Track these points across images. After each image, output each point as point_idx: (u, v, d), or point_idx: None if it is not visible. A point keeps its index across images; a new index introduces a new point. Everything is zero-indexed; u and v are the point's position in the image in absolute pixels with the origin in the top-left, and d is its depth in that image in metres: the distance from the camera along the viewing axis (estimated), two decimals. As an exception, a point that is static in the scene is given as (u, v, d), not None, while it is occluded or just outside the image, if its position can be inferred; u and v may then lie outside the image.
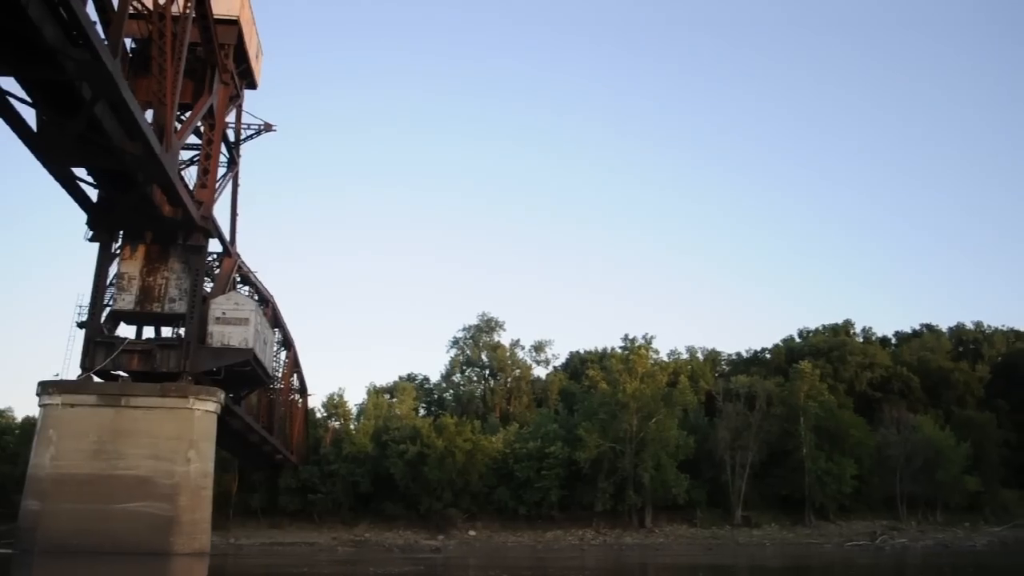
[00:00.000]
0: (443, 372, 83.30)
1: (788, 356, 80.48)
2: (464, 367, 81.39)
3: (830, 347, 78.75)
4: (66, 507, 39.76)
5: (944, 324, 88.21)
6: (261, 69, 52.56)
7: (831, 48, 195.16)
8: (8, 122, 34.62)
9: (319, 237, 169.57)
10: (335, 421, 71.60)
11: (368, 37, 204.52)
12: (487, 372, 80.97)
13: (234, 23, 46.75)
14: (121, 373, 45.28)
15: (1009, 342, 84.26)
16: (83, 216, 43.79)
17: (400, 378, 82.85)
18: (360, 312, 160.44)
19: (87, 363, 42.84)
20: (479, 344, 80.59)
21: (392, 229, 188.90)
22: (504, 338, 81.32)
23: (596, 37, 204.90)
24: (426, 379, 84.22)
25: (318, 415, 72.67)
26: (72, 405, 41.14)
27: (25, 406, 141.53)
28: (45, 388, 41.59)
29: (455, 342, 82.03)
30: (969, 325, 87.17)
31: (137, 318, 45.20)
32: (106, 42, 31.39)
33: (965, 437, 68.35)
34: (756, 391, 69.66)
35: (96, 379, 43.63)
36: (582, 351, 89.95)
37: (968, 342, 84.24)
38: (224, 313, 44.30)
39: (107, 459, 40.55)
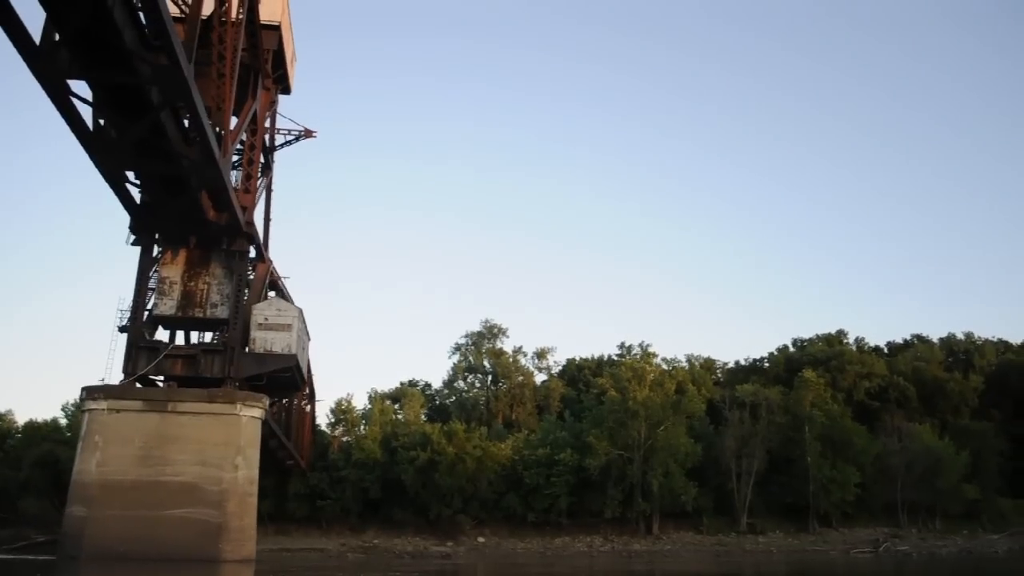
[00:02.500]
0: (445, 378, 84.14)
1: (787, 365, 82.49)
2: (466, 373, 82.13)
3: (828, 356, 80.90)
4: (113, 513, 40.08)
5: (935, 335, 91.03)
6: (295, 74, 53.02)
7: (827, 60, 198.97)
8: (70, 124, 35.00)
9: (318, 242, 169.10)
10: (342, 427, 71.82)
11: (376, 35, 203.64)
12: (489, 379, 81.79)
13: (276, 28, 47.34)
14: (154, 378, 45.57)
15: (999, 353, 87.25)
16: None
17: (402, 384, 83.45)
18: (358, 318, 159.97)
19: (130, 368, 43.14)
20: (481, 350, 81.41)
21: (393, 237, 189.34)
22: (507, 345, 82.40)
23: (596, 45, 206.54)
24: (428, 385, 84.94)
25: (326, 421, 72.98)
26: (118, 411, 41.44)
27: (26, 410, 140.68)
28: (90, 393, 41.81)
29: (457, 348, 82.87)
30: (960, 336, 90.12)
31: (179, 323, 45.55)
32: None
33: (963, 446, 70.64)
34: (760, 400, 71.32)
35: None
36: (578, 358, 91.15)
37: (959, 352, 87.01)
38: (267, 319, 44.82)
39: (153, 465, 40.93)
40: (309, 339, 51.12)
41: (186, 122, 38.30)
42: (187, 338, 49.08)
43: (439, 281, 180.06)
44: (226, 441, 41.70)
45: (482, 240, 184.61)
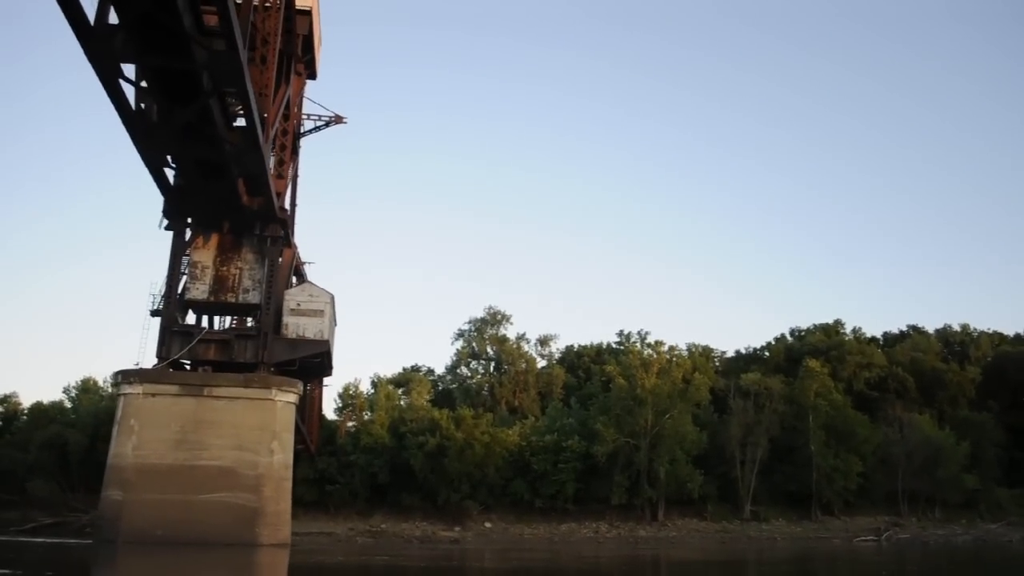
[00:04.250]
0: (448, 364, 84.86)
1: (787, 355, 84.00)
2: (469, 359, 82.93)
3: (828, 347, 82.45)
4: (150, 497, 40.63)
5: (930, 326, 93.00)
6: (320, 59, 53.32)
7: (827, 51, 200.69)
8: (118, 107, 35.32)
9: (318, 228, 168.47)
10: (349, 412, 72.38)
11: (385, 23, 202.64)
12: (492, 365, 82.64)
13: (308, 13, 47.61)
14: (183, 362, 45.98)
15: (994, 344, 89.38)
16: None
17: (404, 369, 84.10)
18: (357, 304, 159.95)
19: (164, 352, 43.59)
20: (485, 337, 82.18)
21: (392, 224, 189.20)
22: (510, 332, 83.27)
23: (602, 40, 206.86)
24: (430, 371, 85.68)
25: (333, 405, 73.48)
26: (153, 395, 41.83)
27: (32, 392, 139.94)
28: (126, 377, 42.22)
29: (460, 334, 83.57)
30: (956, 327, 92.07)
31: (211, 308, 45.93)
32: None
33: (963, 437, 72.55)
34: (764, 388, 72.77)
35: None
36: (576, 345, 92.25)
37: (955, 344, 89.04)
38: (299, 304, 45.41)
39: (190, 449, 41.48)
40: (336, 324, 51.75)
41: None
42: (211, 323, 49.49)
43: (438, 268, 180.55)
44: (262, 426, 42.33)
45: (481, 227, 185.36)
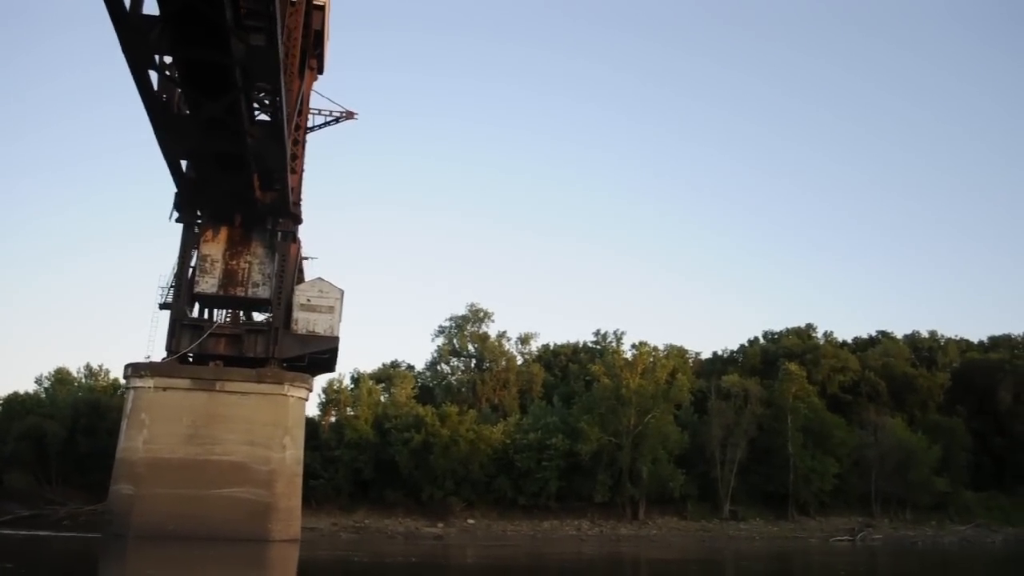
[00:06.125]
0: (428, 361, 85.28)
1: (763, 357, 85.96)
2: (450, 356, 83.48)
3: (803, 350, 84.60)
4: (161, 492, 40.65)
5: (899, 331, 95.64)
6: (328, 54, 53.45)
7: (798, 57, 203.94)
8: (146, 100, 35.40)
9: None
10: (333, 407, 72.53)
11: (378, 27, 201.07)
12: (473, 362, 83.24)
13: (322, 8, 47.73)
14: (190, 356, 45.92)
15: (961, 351, 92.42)
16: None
17: (384, 365, 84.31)
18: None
19: (173, 346, 43.46)
20: (466, 334, 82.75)
21: (369, 221, 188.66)
22: (491, 329, 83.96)
23: (589, 41, 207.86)
24: (411, 367, 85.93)
25: (317, 400, 73.47)
26: (164, 388, 41.81)
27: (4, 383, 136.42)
28: (136, 370, 42.12)
29: (441, 331, 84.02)
30: (924, 333, 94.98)
31: (220, 302, 45.92)
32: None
33: (934, 441, 75.05)
34: (743, 390, 74.56)
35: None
36: (552, 344, 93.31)
37: (923, 350, 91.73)
38: (309, 300, 45.62)
39: (202, 444, 41.57)
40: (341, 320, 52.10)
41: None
42: (211, 315, 49.43)
43: (417, 265, 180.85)
44: (274, 421, 42.54)
45: (457, 225, 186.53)
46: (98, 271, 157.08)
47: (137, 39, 31.48)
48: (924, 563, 50.89)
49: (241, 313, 48.40)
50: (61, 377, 75.57)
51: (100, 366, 77.69)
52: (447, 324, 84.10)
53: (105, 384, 74.69)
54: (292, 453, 42.76)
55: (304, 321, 45.20)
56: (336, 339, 45.53)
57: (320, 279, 47.44)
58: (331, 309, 45.59)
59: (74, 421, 64.75)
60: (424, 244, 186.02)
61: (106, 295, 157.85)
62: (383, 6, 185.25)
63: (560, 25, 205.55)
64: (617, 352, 77.01)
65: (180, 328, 43.54)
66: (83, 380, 76.73)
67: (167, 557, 37.70)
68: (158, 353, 43.52)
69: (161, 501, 40.23)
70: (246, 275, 45.11)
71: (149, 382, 41.50)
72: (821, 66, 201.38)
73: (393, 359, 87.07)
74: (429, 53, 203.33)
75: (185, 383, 41.89)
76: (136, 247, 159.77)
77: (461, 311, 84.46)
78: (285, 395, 42.69)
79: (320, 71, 52.88)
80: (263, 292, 45.22)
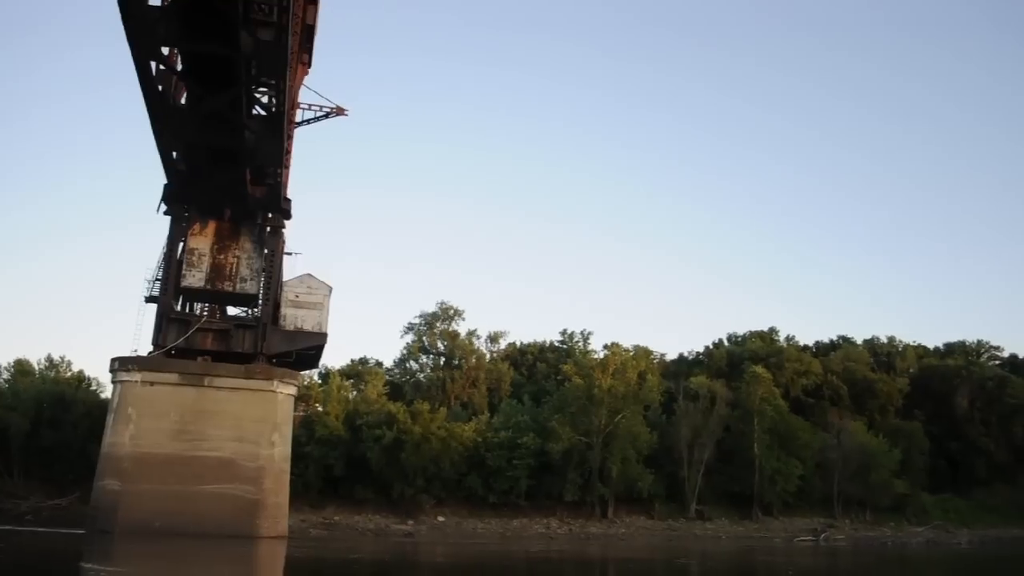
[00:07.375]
0: (397, 358, 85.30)
1: (729, 360, 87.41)
2: (419, 354, 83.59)
3: (768, 353, 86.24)
4: (148, 487, 40.39)
5: (858, 336, 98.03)
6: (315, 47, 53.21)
7: (783, 67, 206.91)
8: (147, 92, 35.22)
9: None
10: (303, 403, 72.14)
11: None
12: (442, 360, 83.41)
13: (315, 2, 47.49)
14: (173, 350, 45.52)
15: (919, 356, 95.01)
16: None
17: (353, 361, 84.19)
18: None
19: (160, 340, 43.15)
20: (436, 331, 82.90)
21: (335, 211, 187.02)
22: (461, 327, 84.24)
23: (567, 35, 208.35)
24: (379, 363, 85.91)
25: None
26: (152, 383, 41.47)
27: None
28: (123, 364, 41.74)
29: (410, 328, 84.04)
30: (883, 339, 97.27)
31: (207, 296, 45.60)
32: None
33: (894, 444, 77.15)
34: (710, 392, 75.90)
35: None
36: (519, 343, 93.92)
37: (881, 355, 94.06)
38: (298, 296, 45.56)
39: (189, 439, 41.36)
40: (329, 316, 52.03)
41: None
42: (192, 309, 49.06)
43: (387, 261, 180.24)
44: (263, 418, 42.46)
45: (430, 223, 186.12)
46: (61, 263, 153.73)
47: (144, 30, 31.30)
48: (905, 565, 52.29)
49: (205, 306, 48.08)
50: (21, 368, 74.08)
51: (62, 357, 76.22)
52: (416, 321, 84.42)
53: (69, 376, 73.48)
54: (280, 450, 42.72)
55: (292, 317, 45.13)
56: (324, 335, 45.53)
57: (309, 275, 47.33)
58: (319, 305, 45.59)
59: (37, 413, 63.67)
60: (393, 241, 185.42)
61: (68, 288, 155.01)
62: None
63: (532, 14, 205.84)
64: (588, 352, 77.80)
65: (167, 322, 43.20)
66: (44, 372, 75.26)
67: (154, 553, 37.37)
68: (144, 347, 43.18)
69: (148, 497, 39.92)
70: (234, 270, 44.82)
71: (136, 376, 41.12)
72: (777, 71, 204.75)
73: (362, 356, 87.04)
74: (399, 43, 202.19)
75: (173, 378, 41.58)
76: (87, 240, 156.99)
77: (431, 308, 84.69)
78: (274, 391, 42.62)
79: (309, 65, 52.69)
80: (251, 287, 45.01)
